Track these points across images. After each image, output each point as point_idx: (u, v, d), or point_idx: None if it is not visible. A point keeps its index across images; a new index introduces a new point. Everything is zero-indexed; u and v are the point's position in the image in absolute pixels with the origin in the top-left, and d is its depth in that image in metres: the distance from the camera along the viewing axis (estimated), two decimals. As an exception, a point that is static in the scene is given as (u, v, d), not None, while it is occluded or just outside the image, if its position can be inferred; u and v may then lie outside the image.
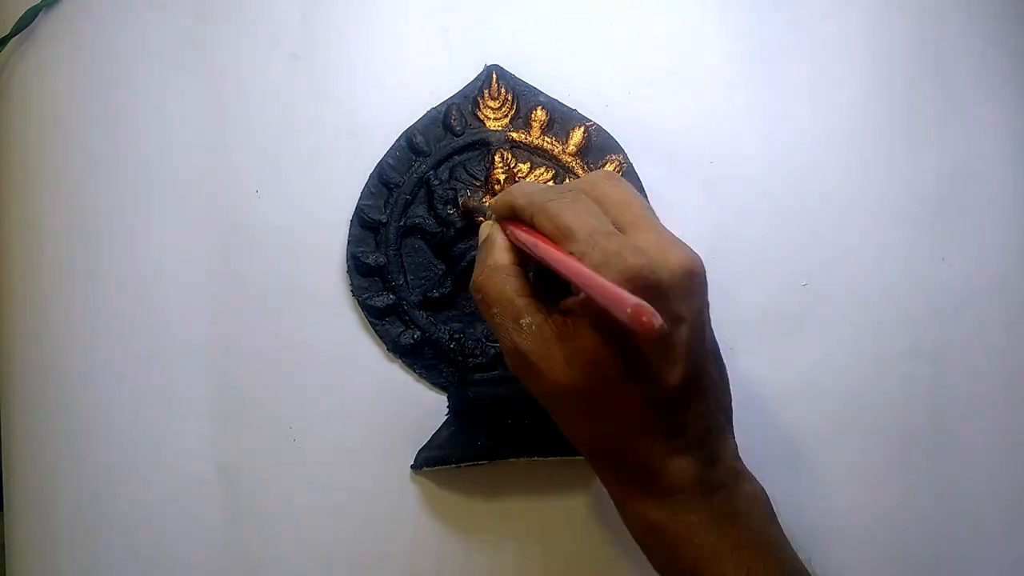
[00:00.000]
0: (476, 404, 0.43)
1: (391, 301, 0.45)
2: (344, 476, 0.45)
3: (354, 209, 0.45)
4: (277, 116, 0.46)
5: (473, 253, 0.43)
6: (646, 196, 0.45)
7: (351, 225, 0.45)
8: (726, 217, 0.46)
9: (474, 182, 0.45)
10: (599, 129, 0.45)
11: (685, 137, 0.46)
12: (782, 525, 0.36)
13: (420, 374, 0.45)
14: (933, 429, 0.46)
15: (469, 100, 0.45)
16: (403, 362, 0.45)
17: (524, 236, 0.35)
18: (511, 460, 0.43)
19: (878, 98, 0.47)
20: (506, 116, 0.45)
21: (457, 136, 0.45)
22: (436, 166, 0.45)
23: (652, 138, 0.46)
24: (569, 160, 0.45)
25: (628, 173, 0.45)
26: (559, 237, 0.33)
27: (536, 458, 0.43)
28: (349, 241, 0.45)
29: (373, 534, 0.45)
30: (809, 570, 0.35)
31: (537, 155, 0.45)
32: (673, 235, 0.34)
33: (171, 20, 0.46)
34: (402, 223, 0.45)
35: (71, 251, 0.46)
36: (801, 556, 0.36)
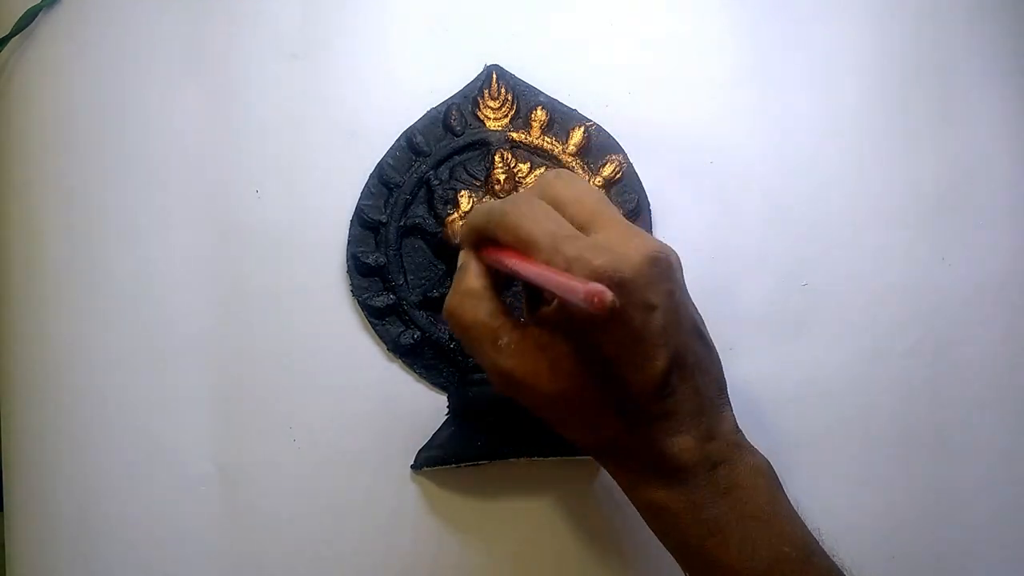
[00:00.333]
0: (476, 404, 0.43)
1: (391, 301, 0.45)
2: (344, 476, 0.45)
3: (354, 209, 0.45)
4: (277, 116, 0.46)
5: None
6: (646, 196, 0.45)
7: (351, 225, 0.45)
8: (726, 217, 0.46)
9: (474, 182, 0.45)
10: (599, 129, 0.45)
11: (685, 137, 0.46)
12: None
13: (420, 374, 0.45)
14: (932, 429, 0.46)
15: (469, 100, 0.45)
16: (403, 362, 0.45)
17: (493, 253, 0.35)
18: (511, 460, 0.43)
19: (878, 98, 0.47)
20: (506, 116, 0.45)
21: (457, 136, 0.45)
22: (436, 166, 0.45)
23: (652, 138, 0.46)
24: (569, 160, 0.45)
25: (628, 173, 0.45)
26: (523, 248, 0.33)
27: (536, 458, 0.43)
28: (349, 241, 0.45)
29: (373, 534, 0.45)
30: (820, 541, 0.35)
31: (537, 155, 0.45)
32: (631, 226, 0.34)
33: (171, 20, 0.46)
34: (402, 223, 0.45)
35: (71, 251, 0.46)
36: (811, 528, 0.36)
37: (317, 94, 0.46)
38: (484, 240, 0.36)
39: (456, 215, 0.44)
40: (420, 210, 0.45)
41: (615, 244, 0.33)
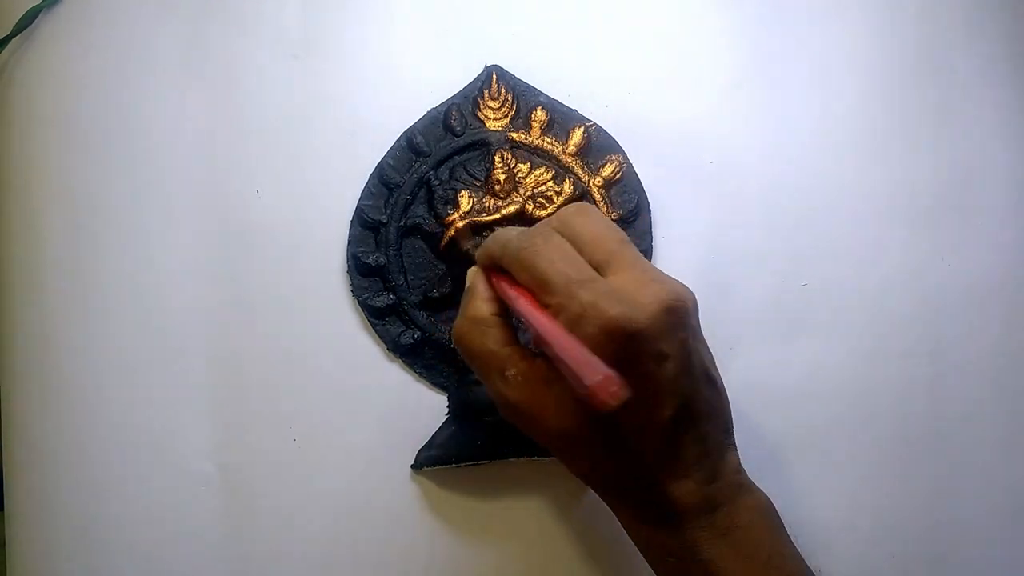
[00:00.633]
0: (476, 404, 0.43)
1: (391, 301, 0.45)
2: (344, 476, 0.45)
3: (354, 209, 0.45)
4: (277, 116, 0.46)
5: (474, 253, 0.43)
6: (646, 197, 0.45)
7: (351, 225, 0.45)
8: (726, 217, 0.46)
9: (474, 182, 0.45)
10: (599, 129, 0.45)
11: (685, 137, 0.46)
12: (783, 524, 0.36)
13: (420, 374, 0.45)
14: (932, 429, 0.46)
15: (469, 100, 0.45)
16: (403, 362, 0.45)
17: (506, 290, 0.35)
18: (511, 460, 0.43)
19: (878, 98, 0.47)
20: (506, 116, 0.45)
21: (457, 136, 0.45)
22: (436, 166, 0.45)
23: (652, 138, 0.46)
24: (569, 160, 0.45)
25: (628, 173, 0.45)
26: (536, 288, 0.33)
27: (536, 458, 0.43)
28: (349, 241, 0.45)
29: (373, 534, 0.45)
30: None
31: (537, 155, 0.45)
32: (651, 268, 0.34)
33: (171, 20, 0.46)
34: (402, 223, 0.45)
35: (72, 251, 0.46)
36: (812, 565, 0.36)
37: (317, 94, 0.46)
38: (498, 269, 0.36)
39: (456, 215, 0.44)
40: (420, 210, 0.45)
41: (631, 291, 0.32)
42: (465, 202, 0.44)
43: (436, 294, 0.45)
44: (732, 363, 0.44)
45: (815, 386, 0.46)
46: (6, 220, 0.46)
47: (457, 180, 0.45)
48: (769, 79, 0.47)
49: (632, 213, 0.45)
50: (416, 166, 0.45)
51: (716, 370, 0.35)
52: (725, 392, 0.36)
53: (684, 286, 0.34)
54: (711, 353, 0.36)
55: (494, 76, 0.45)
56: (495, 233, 0.37)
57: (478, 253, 0.38)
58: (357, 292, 0.45)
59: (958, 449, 0.46)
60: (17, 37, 0.46)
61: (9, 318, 0.46)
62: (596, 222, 0.35)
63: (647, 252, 0.45)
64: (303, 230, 0.46)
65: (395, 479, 0.45)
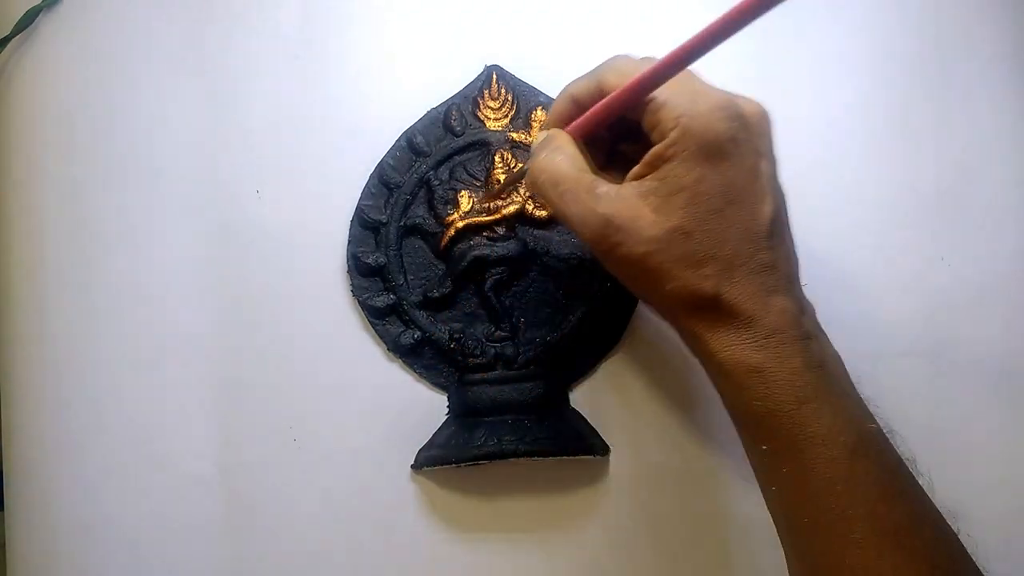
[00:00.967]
0: (476, 404, 0.43)
1: (391, 301, 0.45)
2: (344, 476, 0.45)
3: (354, 209, 0.45)
4: (277, 116, 0.46)
5: (474, 253, 0.43)
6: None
7: (351, 225, 0.45)
8: (726, 217, 0.46)
9: (474, 182, 0.45)
10: (599, 129, 0.45)
11: (685, 137, 0.46)
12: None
13: (420, 374, 0.45)
14: (932, 429, 0.46)
15: (469, 100, 0.45)
16: (403, 362, 0.45)
17: (591, 111, 0.36)
18: (511, 460, 0.43)
19: (878, 97, 0.47)
20: (506, 116, 0.45)
21: (457, 136, 0.45)
22: (436, 166, 0.45)
23: (652, 138, 0.46)
24: (569, 160, 0.45)
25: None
26: (644, 90, 0.34)
27: (536, 458, 0.43)
28: (349, 241, 0.45)
29: (373, 534, 0.45)
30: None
31: (537, 155, 0.45)
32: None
33: (171, 20, 0.46)
34: (402, 223, 0.45)
35: (72, 251, 0.46)
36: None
37: (317, 94, 0.46)
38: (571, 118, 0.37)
39: (456, 215, 0.44)
40: (420, 210, 0.45)
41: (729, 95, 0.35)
42: (465, 202, 0.44)
43: (436, 294, 0.45)
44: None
45: (815, 386, 0.46)
46: (6, 220, 0.46)
47: (457, 180, 0.45)
48: (769, 79, 0.47)
49: (632, 213, 0.45)
50: (416, 166, 0.45)
51: None
52: None
53: None
54: None
55: (494, 76, 0.45)
56: (564, 90, 0.38)
57: (550, 115, 0.39)
58: (357, 292, 0.45)
59: (957, 449, 0.46)
60: (17, 37, 0.46)
61: (9, 318, 0.46)
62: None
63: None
64: (303, 230, 0.46)
65: (395, 479, 0.45)
